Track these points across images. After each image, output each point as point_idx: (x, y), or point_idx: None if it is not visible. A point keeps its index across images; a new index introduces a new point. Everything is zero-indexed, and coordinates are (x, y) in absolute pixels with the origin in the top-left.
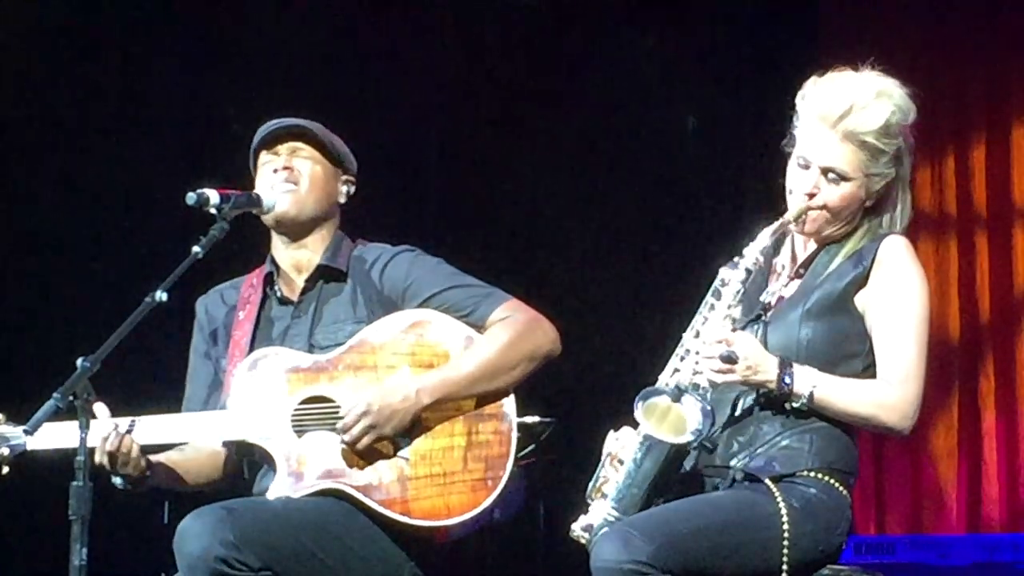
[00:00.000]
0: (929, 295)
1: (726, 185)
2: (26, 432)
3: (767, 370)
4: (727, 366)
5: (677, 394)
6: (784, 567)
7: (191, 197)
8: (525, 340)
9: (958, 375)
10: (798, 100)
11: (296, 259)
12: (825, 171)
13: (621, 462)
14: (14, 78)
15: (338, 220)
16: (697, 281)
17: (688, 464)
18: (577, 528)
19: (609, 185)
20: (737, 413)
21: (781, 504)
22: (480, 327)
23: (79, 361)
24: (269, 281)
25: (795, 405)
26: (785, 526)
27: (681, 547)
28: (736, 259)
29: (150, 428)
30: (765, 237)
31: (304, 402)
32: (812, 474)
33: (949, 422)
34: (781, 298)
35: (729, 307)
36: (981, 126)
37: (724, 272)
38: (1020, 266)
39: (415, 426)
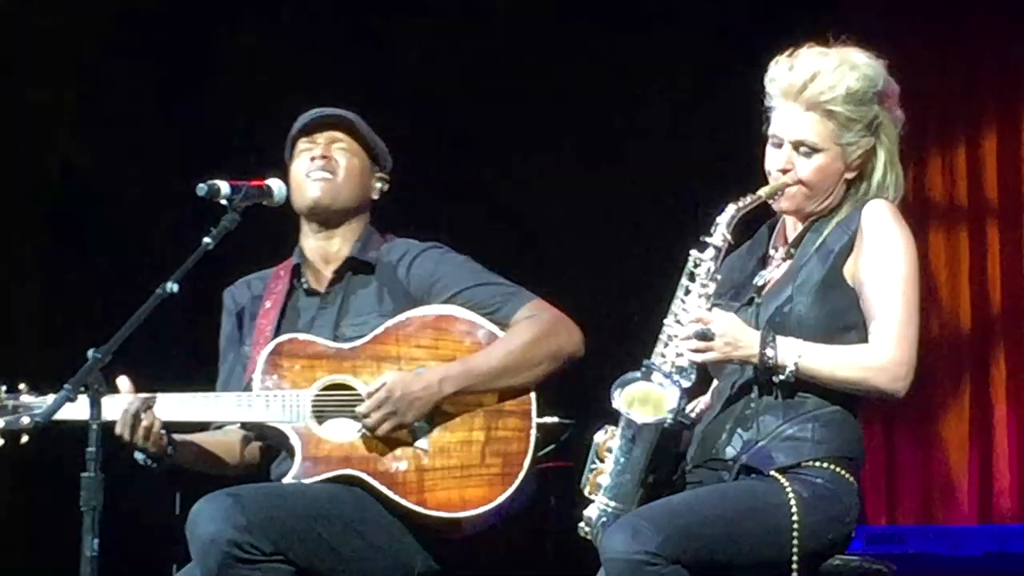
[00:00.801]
0: (916, 255)
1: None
2: (37, 424)
3: (748, 345)
4: (704, 344)
5: (647, 373)
6: (794, 557)
7: (202, 188)
8: (549, 338)
9: (969, 365)
10: (766, 81)
11: (325, 250)
12: (796, 145)
13: (610, 451)
14: (26, 74)
15: (369, 216)
16: None
17: (690, 458)
18: (582, 524)
19: (630, 181)
20: (734, 402)
21: (790, 494)
22: (505, 325)
23: (90, 352)
24: (296, 273)
25: (782, 378)
26: (795, 516)
27: (690, 537)
28: (704, 238)
29: (171, 405)
30: (730, 211)
31: (325, 389)
32: (817, 464)
33: (960, 412)
34: (774, 280)
35: (703, 286)
36: (992, 117)
37: (694, 253)
38: None
39: (435, 417)
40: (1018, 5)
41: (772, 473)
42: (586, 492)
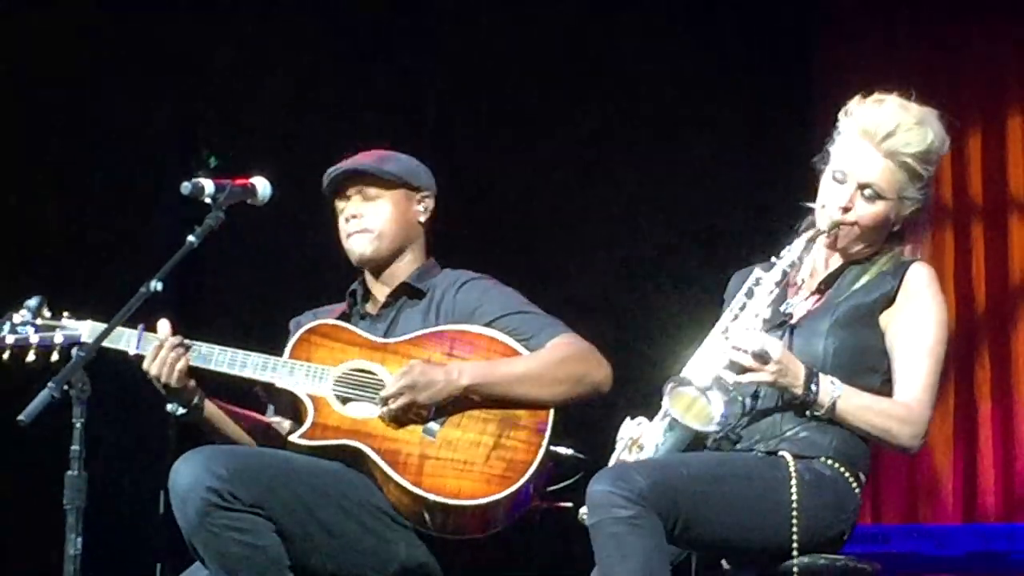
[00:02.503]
0: (948, 324)
1: (752, 200)
2: (20, 423)
3: (796, 375)
4: (758, 364)
5: (707, 386)
6: (795, 538)
7: (186, 187)
8: (577, 362)
9: (954, 365)
10: (841, 116)
11: (383, 281)
12: (863, 186)
13: (641, 448)
14: (10, 69)
15: (423, 241)
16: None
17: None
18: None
19: (621, 201)
20: (759, 407)
21: (792, 472)
22: None
23: (74, 351)
24: (354, 297)
25: (817, 414)
26: (794, 494)
27: (676, 488)
28: (773, 259)
29: (203, 352)
30: (801, 243)
31: (352, 370)
32: (829, 462)
33: (945, 412)
34: (803, 311)
35: (762, 308)
36: (977, 117)
37: (759, 272)
38: (1015, 256)
39: (449, 411)
40: (1002, 7)
41: (783, 454)
42: None
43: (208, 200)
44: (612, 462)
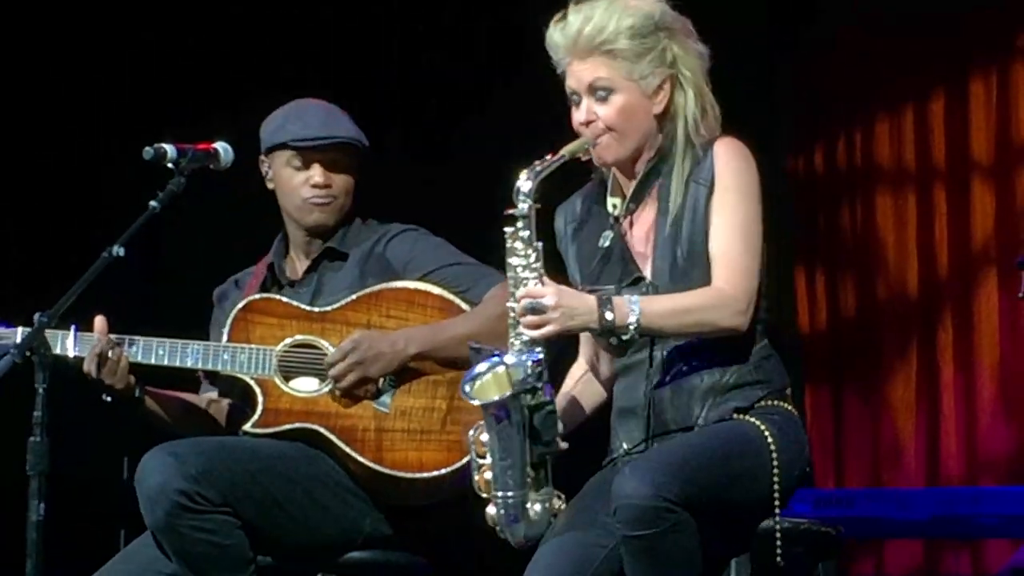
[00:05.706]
0: (757, 188)
1: None
2: None
3: (587, 311)
4: (539, 318)
5: (496, 361)
6: (776, 493)
7: (148, 152)
8: None
9: (917, 329)
10: (549, 51)
11: (308, 247)
12: (590, 91)
13: (483, 443)
14: None
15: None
16: None
17: (632, 437)
18: (488, 518)
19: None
20: (662, 371)
21: (764, 429)
22: (477, 304)
23: (36, 316)
24: (272, 270)
25: (625, 338)
26: (773, 451)
27: (696, 481)
28: (509, 212)
29: (142, 347)
30: (526, 178)
31: (293, 346)
32: (769, 402)
33: (908, 376)
34: (637, 250)
35: (526, 258)
36: (939, 80)
37: (506, 231)
38: (978, 220)
39: (399, 382)
40: None
41: (735, 416)
42: (481, 494)
43: (170, 165)
44: (474, 471)
